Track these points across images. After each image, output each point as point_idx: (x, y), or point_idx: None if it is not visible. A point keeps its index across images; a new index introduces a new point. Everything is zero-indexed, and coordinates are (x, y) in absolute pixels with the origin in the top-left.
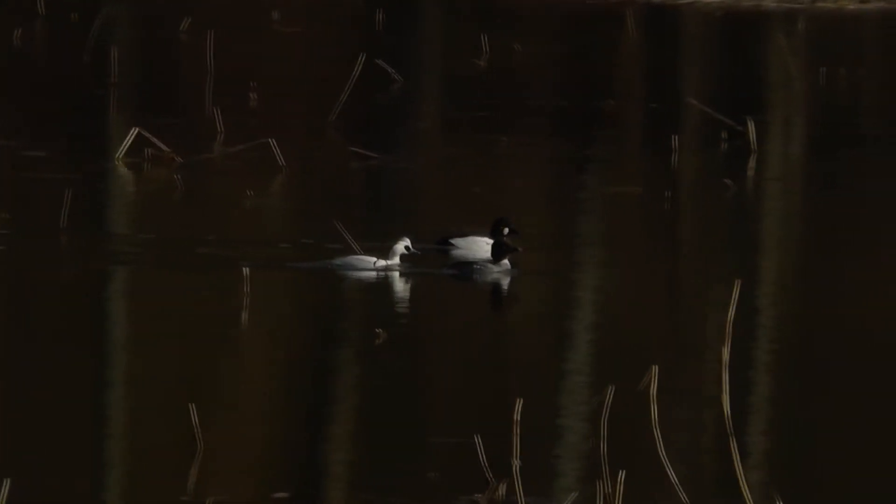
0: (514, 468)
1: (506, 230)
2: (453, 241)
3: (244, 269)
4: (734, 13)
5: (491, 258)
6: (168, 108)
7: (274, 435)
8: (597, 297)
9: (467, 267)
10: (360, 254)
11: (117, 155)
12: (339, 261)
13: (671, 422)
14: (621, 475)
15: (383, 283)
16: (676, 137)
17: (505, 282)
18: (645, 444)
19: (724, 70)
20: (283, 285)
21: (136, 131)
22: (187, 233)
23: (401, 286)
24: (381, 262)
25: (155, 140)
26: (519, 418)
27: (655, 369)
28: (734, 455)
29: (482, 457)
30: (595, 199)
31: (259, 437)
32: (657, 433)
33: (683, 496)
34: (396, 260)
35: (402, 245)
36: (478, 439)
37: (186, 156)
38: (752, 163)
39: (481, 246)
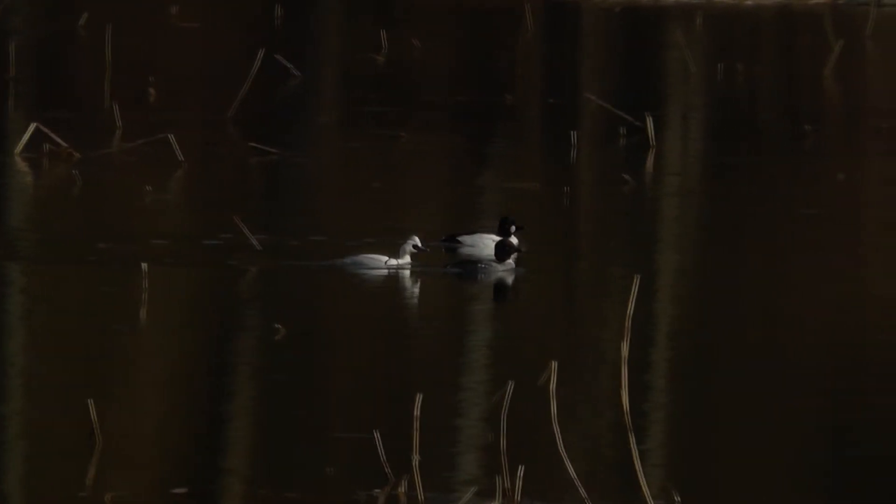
0: (413, 463)
1: (513, 228)
2: (460, 238)
3: (143, 264)
4: (632, 9)
5: (495, 257)
6: (66, 102)
7: (173, 430)
8: (496, 292)
9: (472, 266)
10: (259, 248)
11: (15, 150)
12: (349, 259)
13: (570, 417)
14: (520, 470)
15: (306, 278)
16: (575, 133)
17: (509, 280)
18: (544, 440)
19: (622, 66)
20: (183, 281)
21: (34, 126)
22: (86, 228)
23: (324, 281)
24: (393, 261)
25: (53, 135)
26: (419, 414)
27: (554, 365)
28: (633, 450)
29: (381, 452)
30: (494, 195)
31: (158, 432)
32: (556, 429)
33: (582, 491)
34: (407, 258)
35: (410, 244)
36: (377, 435)
37: (85, 151)
38: (650, 158)
39: (488, 244)
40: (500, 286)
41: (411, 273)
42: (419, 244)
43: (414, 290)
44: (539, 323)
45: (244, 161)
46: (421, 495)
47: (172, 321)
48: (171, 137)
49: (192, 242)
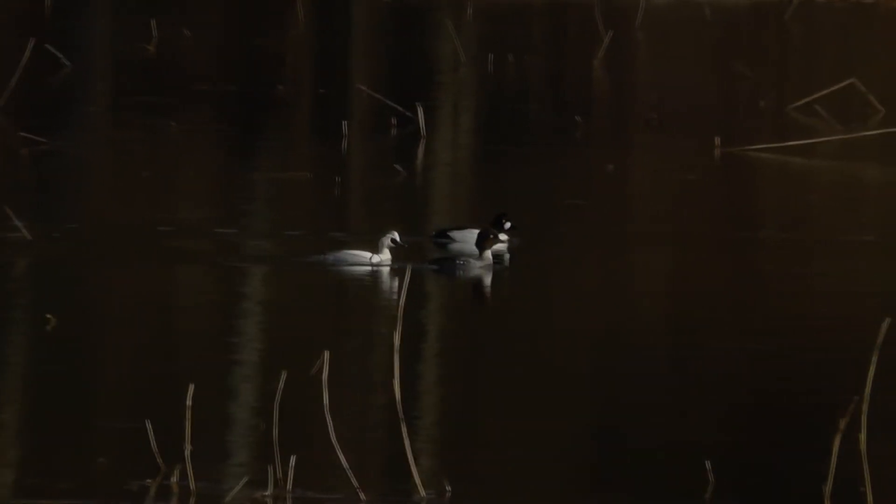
0: (185, 453)
1: (507, 224)
2: (451, 233)
3: None
4: (404, 0)
5: (476, 247)
6: None
7: None
8: (267, 284)
9: (450, 262)
10: (29, 238)
11: None
12: (332, 256)
13: (343, 407)
14: (293, 460)
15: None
16: (346, 123)
17: (487, 276)
18: (317, 430)
19: (393, 56)
20: None
21: None
22: None
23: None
24: (377, 258)
25: None
26: (191, 404)
27: (326, 355)
28: (405, 440)
29: (153, 442)
30: (265, 185)
31: None
32: (328, 418)
33: (354, 481)
34: (387, 253)
35: (388, 238)
36: (148, 425)
37: None
38: (421, 148)
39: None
40: (266, 277)
41: (390, 270)
42: (398, 239)
43: (189, 279)
44: (312, 313)
45: (15, 151)
46: (193, 485)
47: None
48: None
49: None
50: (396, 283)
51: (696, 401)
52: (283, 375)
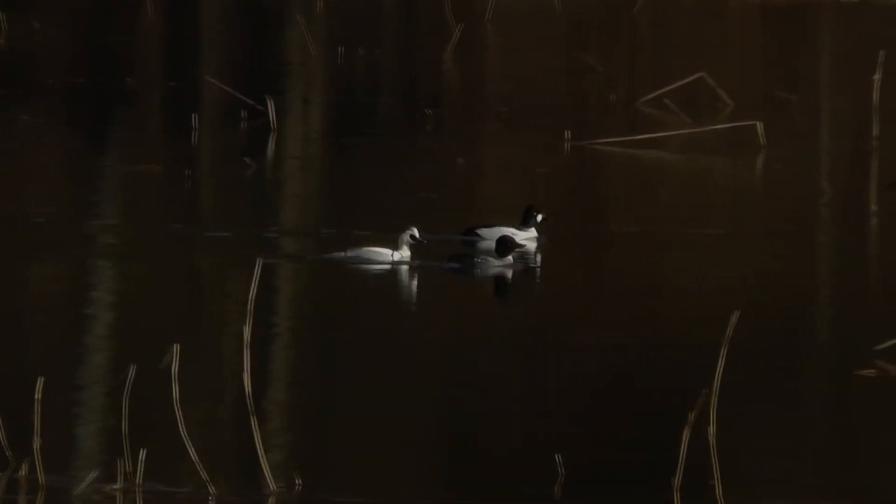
0: (34, 447)
1: (538, 216)
2: (480, 231)
3: None
4: None
5: (496, 254)
6: None
7: None
8: (118, 277)
9: (469, 261)
10: None
11: None
12: (352, 253)
13: (193, 400)
14: (142, 453)
15: None
16: (196, 116)
17: (508, 274)
18: (167, 423)
19: (244, 50)
20: None
21: None
22: None
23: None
24: (397, 255)
25: None
26: (40, 397)
27: (177, 348)
28: (255, 434)
29: (2, 436)
30: (114, 178)
31: None
32: (178, 411)
33: (204, 474)
34: (406, 250)
35: (407, 235)
36: None
37: None
38: (272, 141)
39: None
40: (118, 270)
41: (410, 268)
42: (417, 235)
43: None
44: (163, 306)
45: None
46: (42, 479)
47: None
48: None
49: None
50: (253, 277)
51: (547, 395)
52: (133, 368)
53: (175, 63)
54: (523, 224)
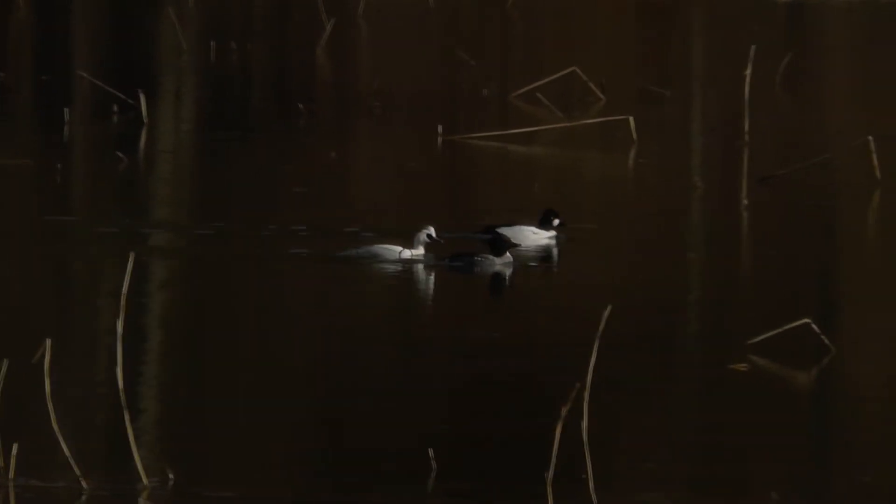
0: None
1: (555, 221)
2: (500, 230)
3: None
4: None
5: (492, 252)
6: None
7: None
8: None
9: (469, 259)
10: None
11: None
12: (363, 250)
13: (67, 395)
14: (14, 448)
15: None
16: (67, 110)
17: (507, 273)
18: (40, 418)
19: (115, 43)
20: None
21: None
22: None
23: None
24: (407, 252)
25: None
26: None
27: (49, 343)
28: (128, 429)
29: None
30: None
31: None
32: (50, 406)
33: (77, 469)
34: (421, 249)
35: (424, 234)
36: None
37: None
38: (143, 135)
39: (528, 235)
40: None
41: (422, 266)
42: (434, 234)
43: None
44: (35, 302)
45: None
46: None
47: None
48: None
49: None
50: (125, 272)
51: (421, 390)
52: (5, 363)
53: (46, 57)
54: (541, 226)
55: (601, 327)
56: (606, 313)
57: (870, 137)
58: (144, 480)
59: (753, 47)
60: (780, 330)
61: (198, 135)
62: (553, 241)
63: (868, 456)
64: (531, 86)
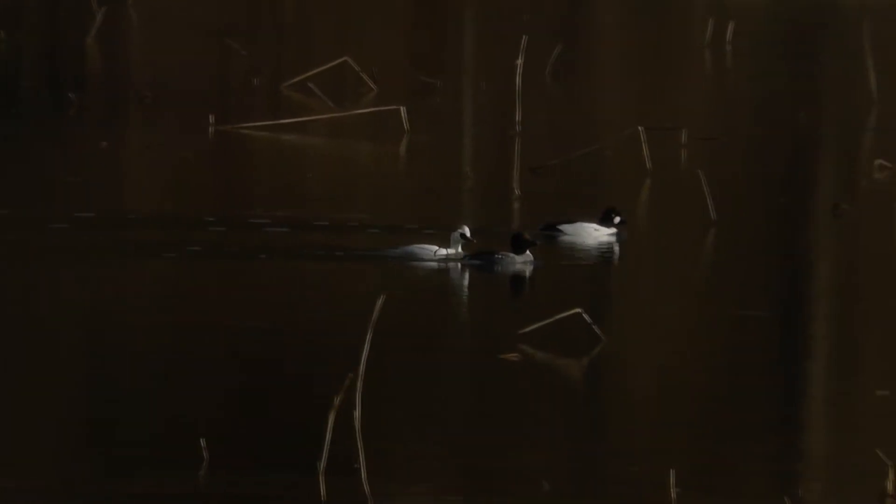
0: None
1: (616, 218)
2: (561, 227)
3: None
4: None
5: (513, 250)
6: None
7: None
8: None
9: (489, 257)
10: None
11: None
12: (400, 250)
13: None
14: None
15: None
16: None
17: (527, 272)
18: None
19: None
20: None
21: None
22: None
23: None
24: (442, 252)
25: None
26: None
27: None
28: None
29: None
30: None
31: None
32: None
33: None
34: (458, 248)
35: (458, 233)
36: None
37: None
38: None
39: (589, 232)
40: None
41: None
42: (468, 234)
43: None
44: None
45: None
46: None
47: None
48: None
49: None
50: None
51: (193, 378)
52: None
53: None
54: (601, 223)
55: (374, 317)
56: (380, 303)
57: (640, 128)
58: None
59: (525, 38)
60: (551, 320)
61: None
62: (614, 238)
63: (636, 444)
64: (303, 76)
